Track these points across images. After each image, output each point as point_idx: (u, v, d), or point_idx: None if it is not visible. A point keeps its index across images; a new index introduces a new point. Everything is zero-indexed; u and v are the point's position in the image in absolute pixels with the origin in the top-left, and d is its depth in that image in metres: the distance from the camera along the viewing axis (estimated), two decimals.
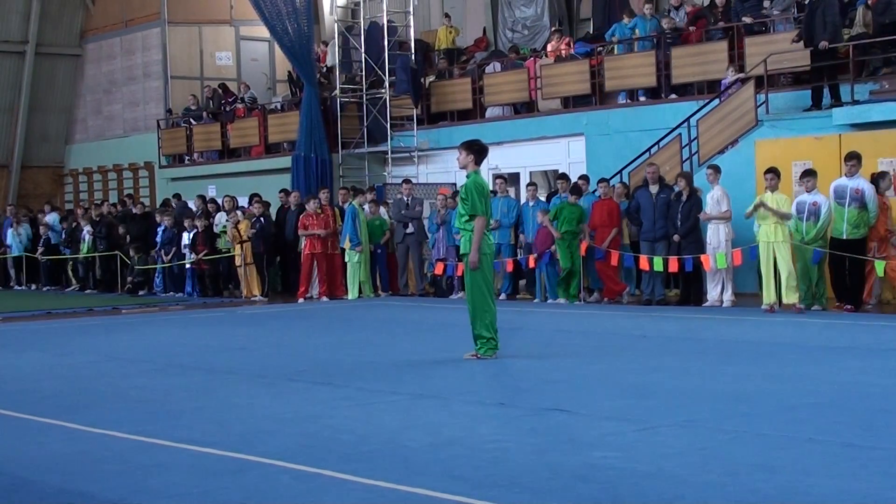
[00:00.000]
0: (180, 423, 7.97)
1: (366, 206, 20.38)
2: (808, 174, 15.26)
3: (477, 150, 11.08)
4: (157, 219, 23.02)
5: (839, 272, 15.04)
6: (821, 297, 15.29)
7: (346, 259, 19.88)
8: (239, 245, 20.69)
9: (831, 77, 17.64)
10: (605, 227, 17.35)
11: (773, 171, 15.29)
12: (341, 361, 11.38)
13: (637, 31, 21.21)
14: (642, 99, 21.04)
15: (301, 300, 19.86)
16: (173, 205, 24.63)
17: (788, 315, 14.63)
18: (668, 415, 7.70)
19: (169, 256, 22.16)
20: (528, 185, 20.10)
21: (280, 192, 22.32)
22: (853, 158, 14.95)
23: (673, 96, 20.46)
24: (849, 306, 14.83)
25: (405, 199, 20.35)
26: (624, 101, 21.09)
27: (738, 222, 16.61)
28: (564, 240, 17.36)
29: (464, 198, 10.92)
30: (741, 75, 18.51)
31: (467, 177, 11.03)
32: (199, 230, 21.64)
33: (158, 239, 22.55)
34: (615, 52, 21.64)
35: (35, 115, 33.30)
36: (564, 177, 18.98)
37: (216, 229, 21.72)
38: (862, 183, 14.86)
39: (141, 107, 31.82)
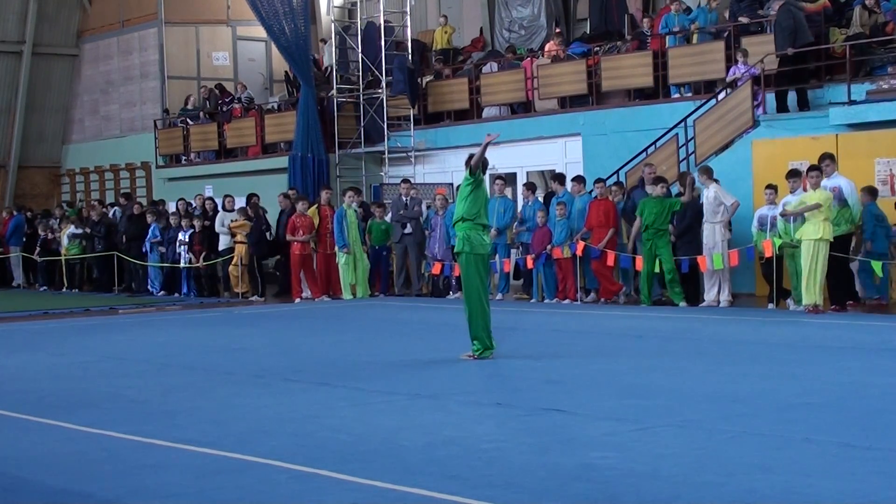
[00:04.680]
0: (177, 423, 7.97)
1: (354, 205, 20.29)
2: (793, 174, 15.27)
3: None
4: (149, 219, 23.01)
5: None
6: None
7: (337, 260, 19.90)
8: (238, 245, 20.78)
9: (796, 81, 17.96)
10: (602, 228, 17.34)
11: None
12: (338, 362, 11.38)
13: (698, 22, 20.55)
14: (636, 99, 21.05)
15: (297, 300, 19.86)
16: (167, 206, 24.65)
17: (818, 316, 14.37)
18: (665, 415, 7.71)
19: (173, 256, 22.17)
20: (524, 184, 20.08)
21: (281, 195, 22.09)
22: (826, 159, 15.04)
23: (676, 96, 20.42)
24: (833, 306, 14.79)
25: (404, 199, 20.34)
26: (677, 95, 20.55)
27: (736, 222, 16.63)
28: (648, 239, 16.44)
29: (465, 196, 11.03)
30: (754, 70, 18.17)
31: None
32: (197, 230, 21.64)
33: (148, 239, 22.57)
34: (667, 44, 20.73)
35: (32, 115, 33.27)
36: (560, 177, 18.95)
37: (220, 230, 21.64)
38: (840, 181, 14.91)
39: (138, 107, 31.81)
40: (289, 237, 19.96)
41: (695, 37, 20.49)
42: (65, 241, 24.73)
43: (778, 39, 17.82)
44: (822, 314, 14.37)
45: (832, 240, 14.48)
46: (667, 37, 20.75)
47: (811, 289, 14.42)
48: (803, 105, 18.01)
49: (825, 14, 18.46)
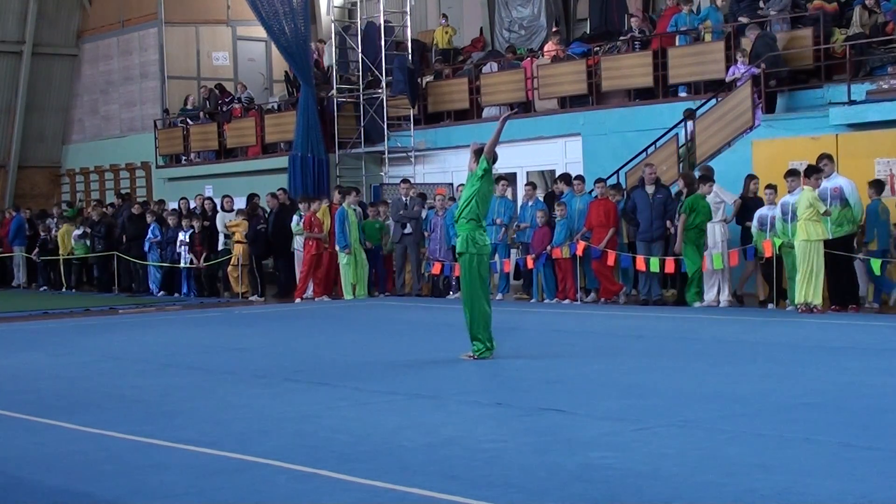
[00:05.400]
0: (178, 423, 7.97)
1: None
2: (792, 174, 15.28)
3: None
4: (148, 219, 23.02)
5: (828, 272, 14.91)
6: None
7: (339, 260, 19.91)
8: (237, 245, 20.78)
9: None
10: (603, 227, 17.34)
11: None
12: (338, 361, 11.38)
13: (709, 21, 20.42)
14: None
15: (298, 300, 19.86)
16: (166, 205, 24.67)
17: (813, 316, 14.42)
18: (665, 415, 7.71)
19: (172, 256, 22.18)
20: (525, 184, 20.08)
21: (269, 195, 22.03)
22: (824, 159, 15.03)
23: (683, 95, 20.38)
24: (834, 307, 14.80)
25: (404, 199, 20.34)
26: (684, 94, 20.40)
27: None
28: (692, 239, 16.17)
29: (474, 193, 11.03)
30: (753, 69, 18.16)
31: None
32: (196, 230, 21.64)
33: (148, 239, 22.57)
34: (676, 42, 20.55)
35: (32, 115, 33.27)
36: (566, 177, 18.92)
37: (221, 230, 21.64)
38: (840, 181, 14.91)
39: (138, 107, 31.81)
40: (306, 234, 19.96)
41: (708, 35, 20.42)
42: (73, 241, 24.73)
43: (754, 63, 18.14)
44: (821, 314, 14.37)
45: (826, 238, 14.49)
46: (676, 36, 20.70)
47: (807, 289, 14.42)
48: (772, 108, 18.24)
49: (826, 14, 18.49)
